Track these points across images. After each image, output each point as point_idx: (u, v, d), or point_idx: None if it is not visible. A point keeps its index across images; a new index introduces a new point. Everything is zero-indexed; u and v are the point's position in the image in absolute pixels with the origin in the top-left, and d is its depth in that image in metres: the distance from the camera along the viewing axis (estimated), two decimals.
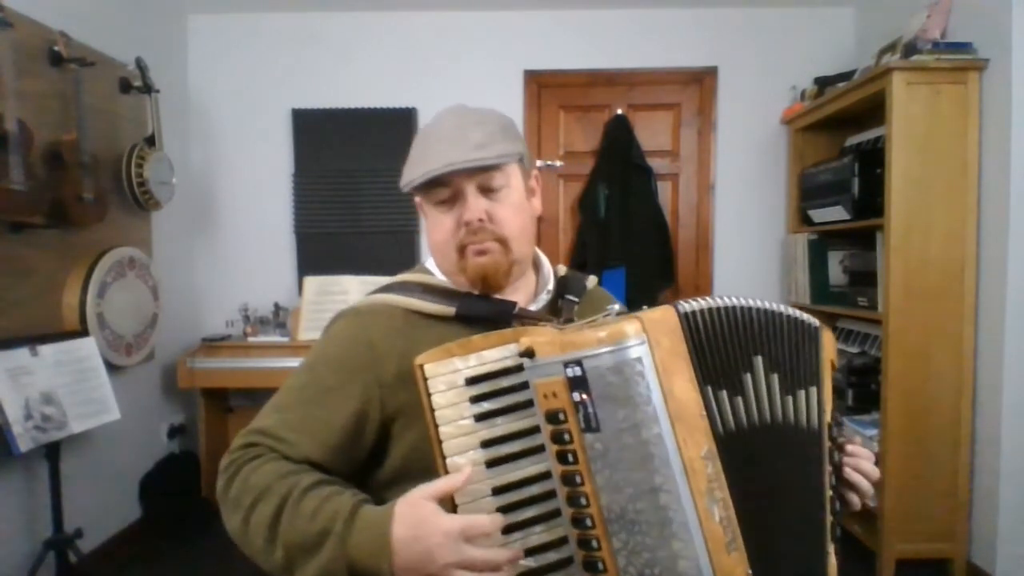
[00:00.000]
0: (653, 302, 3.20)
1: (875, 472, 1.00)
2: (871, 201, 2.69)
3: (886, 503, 2.53)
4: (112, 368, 2.64)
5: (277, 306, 3.45)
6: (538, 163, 3.60)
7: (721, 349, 0.85)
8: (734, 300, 0.88)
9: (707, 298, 0.87)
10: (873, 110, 2.79)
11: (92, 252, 2.66)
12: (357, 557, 0.80)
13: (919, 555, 2.55)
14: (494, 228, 0.98)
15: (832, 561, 0.92)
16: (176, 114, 3.37)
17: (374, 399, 0.96)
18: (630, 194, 3.42)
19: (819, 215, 3.10)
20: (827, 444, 0.93)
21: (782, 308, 0.92)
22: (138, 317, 2.89)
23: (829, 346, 0.96)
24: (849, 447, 1.00)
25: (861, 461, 0.99)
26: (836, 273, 3.17)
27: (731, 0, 3.41)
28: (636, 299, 3.04)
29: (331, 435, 0.94)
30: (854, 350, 2.95)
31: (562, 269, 1.17)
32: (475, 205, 0.97)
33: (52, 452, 2.28)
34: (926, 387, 2.51)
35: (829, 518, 0.91)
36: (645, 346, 0.79)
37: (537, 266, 1.12)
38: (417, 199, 1.04)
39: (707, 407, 0.81)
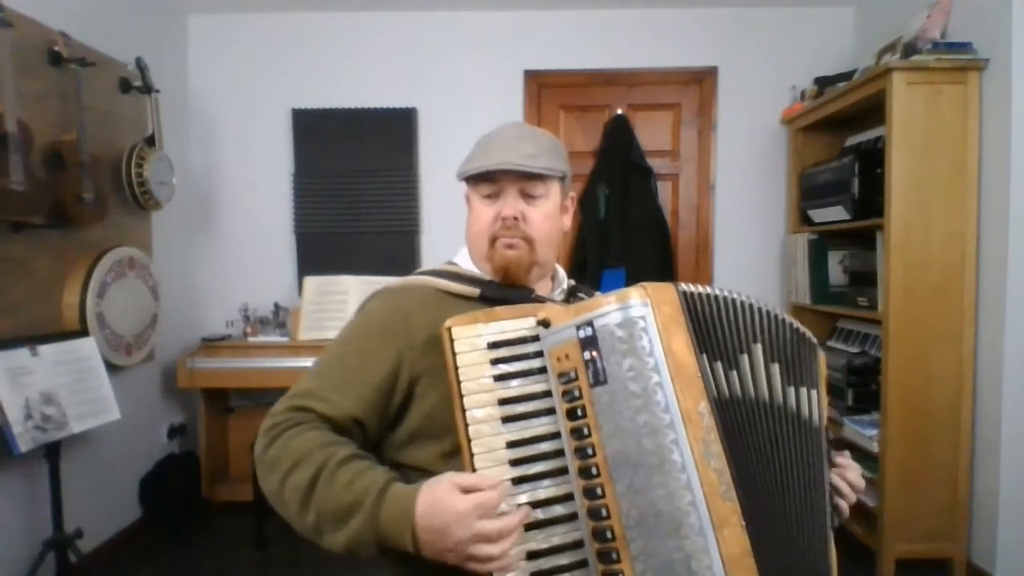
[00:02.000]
0: None
1: (860, 483, 1.07)
2: (871, 201, 2.69)
3: (886, 503, 2.53)
4: (112, 368, 2.64)
5: (277, 306, 3.45)
6: None
7: (717, 328, 0.95)
8: (735, 294, 0.98)
9: (708, 287, 0.97)
10: (873, 110, 2.79)
11: (92, 252, 2.66)
12: (385, 530, 0.87)
13: (919, 555, 2.55)
14: (525, 228, 1.10)
15: (832, 549, 0.97)
16: (176, 114, 3.38)
17: (405, 361, 1.05)
18: (630, 194, 3.42)
19: (819, 215, 3.10)
20: (826, 444, 1.00)
21: (786, 316, 1.01)
22: (138, 317, 2.89)
23: (823, 364, 1.05)
24: (839, 459, 1.06)
25: (848, 472, 1.06)
26: (836, 273, 3.17)
27: (731, 0, 3.42)
28: None
29: (369, 391, 1.02)
30: (854, 350, 2.95)
31: (571, 282, 1.27)
32: (513, 203, 1.10)
33: (52, 452, 2.28)
34: (926, 387, 2.51)
35: (828, 509, 0.98)
36: (648, 308, 0.91)
37: (553, 274, 1.24)
38: (467, 192, 1.16)
39: (702, 370, 0.91)
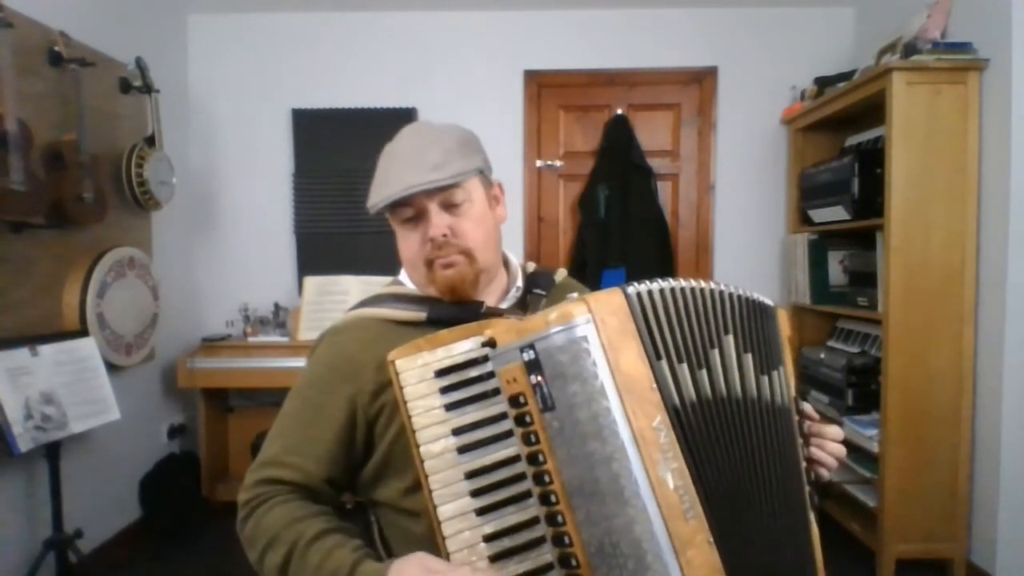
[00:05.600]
0: None
1: (841, 450, 1.04)
2: (871, 201, 2.68)
3: (886, 503, 2.53)
4: (112, 368, 2.64)
5: (277, 306, 3.45)
6: (538, 163, 3.60)
7: (679, 326, 0.89)
8: (683, 282, 0.92)
9: (657, 280, 0.91)
10: (873, 110, 2.79)
11: (92, 252, 2.66)
12: None
13: (919, 555, 2.55)
14: (458, 242, 1.03)
15: (815, 530, 0.96)
16: (176, 114, 3.38)
17: (358, 406, 1.02)
18: (630, 194, 3.42)
19: (819, 215, 3.10)
20: (795, 418, 1.00)
21: (737, 289, 0.96)
22: (138, 317, 2.89)
23: (784, 323, 1.04)
24: (815, 427, 1.04)
25: (827, 443, 1.04)
26: (836, 273, 3.17)
27: (731, 0, 3.42)
28: None
29: (329, 448, 1.01)
30: (854, 350, 2.95)
31: (531, 266, 1.22)
32: (438, 222, 1.02)
33: (52, 452, 2.28)
34: (926, 387, 2.51)
35: (807, 488, 0.97)
36: (591, 325, 0.84)
37: (507, 266, 1.18)
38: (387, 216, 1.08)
39: (658, 380, 0.85)
